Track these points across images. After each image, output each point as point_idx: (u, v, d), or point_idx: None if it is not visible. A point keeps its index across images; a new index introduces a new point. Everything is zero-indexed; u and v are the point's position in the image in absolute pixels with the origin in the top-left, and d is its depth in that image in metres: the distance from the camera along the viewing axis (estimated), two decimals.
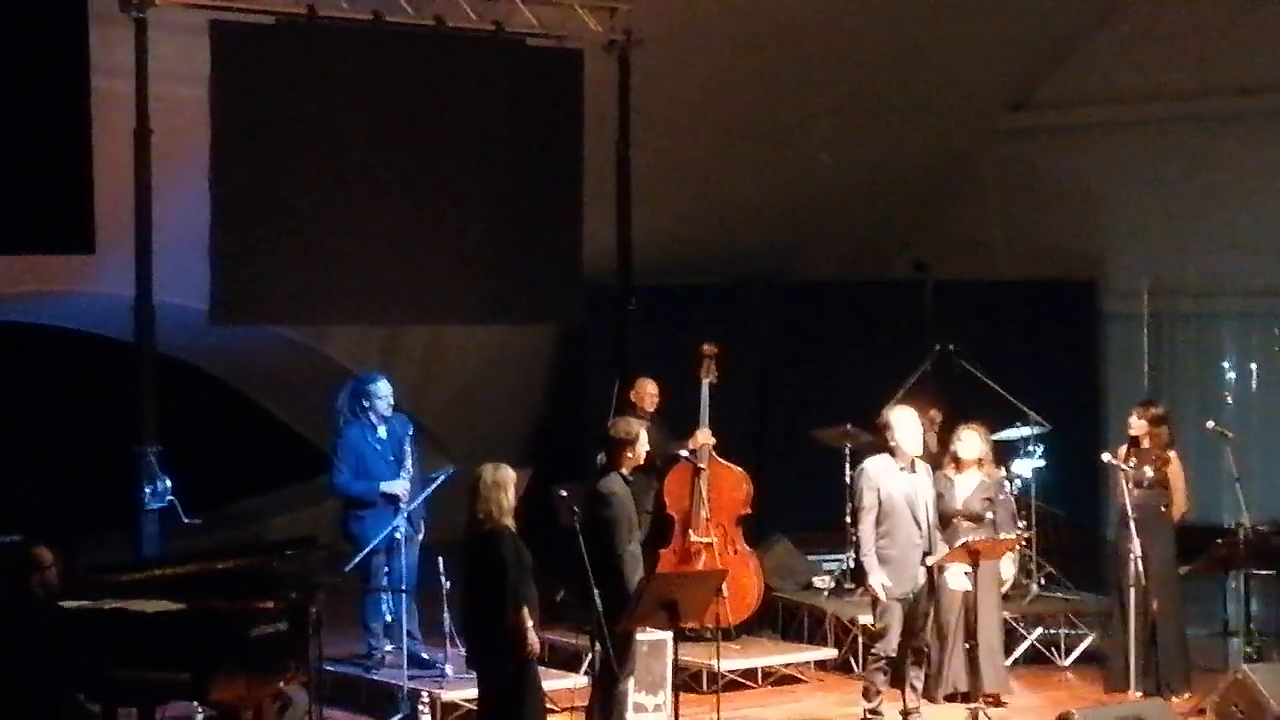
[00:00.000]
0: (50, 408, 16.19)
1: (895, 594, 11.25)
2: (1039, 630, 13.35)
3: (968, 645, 11.72)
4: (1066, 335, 17.74)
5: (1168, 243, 17.60)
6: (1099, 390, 17.77)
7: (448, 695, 11.47)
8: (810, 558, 14.36)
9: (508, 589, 9.49)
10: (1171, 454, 12.40)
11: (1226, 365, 17.43)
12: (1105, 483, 13.90)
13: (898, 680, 11.47)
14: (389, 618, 12.04)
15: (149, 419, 12.19)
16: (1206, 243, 17.37)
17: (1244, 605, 12.89)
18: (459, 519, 9.86)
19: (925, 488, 11.41)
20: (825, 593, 13.79)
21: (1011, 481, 13.42)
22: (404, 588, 11.84)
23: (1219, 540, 12.54)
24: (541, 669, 10.17)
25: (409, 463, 12.17)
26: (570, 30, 13.83)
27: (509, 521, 9.67)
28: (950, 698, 12.05)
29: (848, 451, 13.76)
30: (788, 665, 12.99)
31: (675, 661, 10.86)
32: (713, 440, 13.04)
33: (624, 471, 10.51)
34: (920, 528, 11.29)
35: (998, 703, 12.03)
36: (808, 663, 13.05)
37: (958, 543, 11.46)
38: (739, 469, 13.15)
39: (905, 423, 11.40)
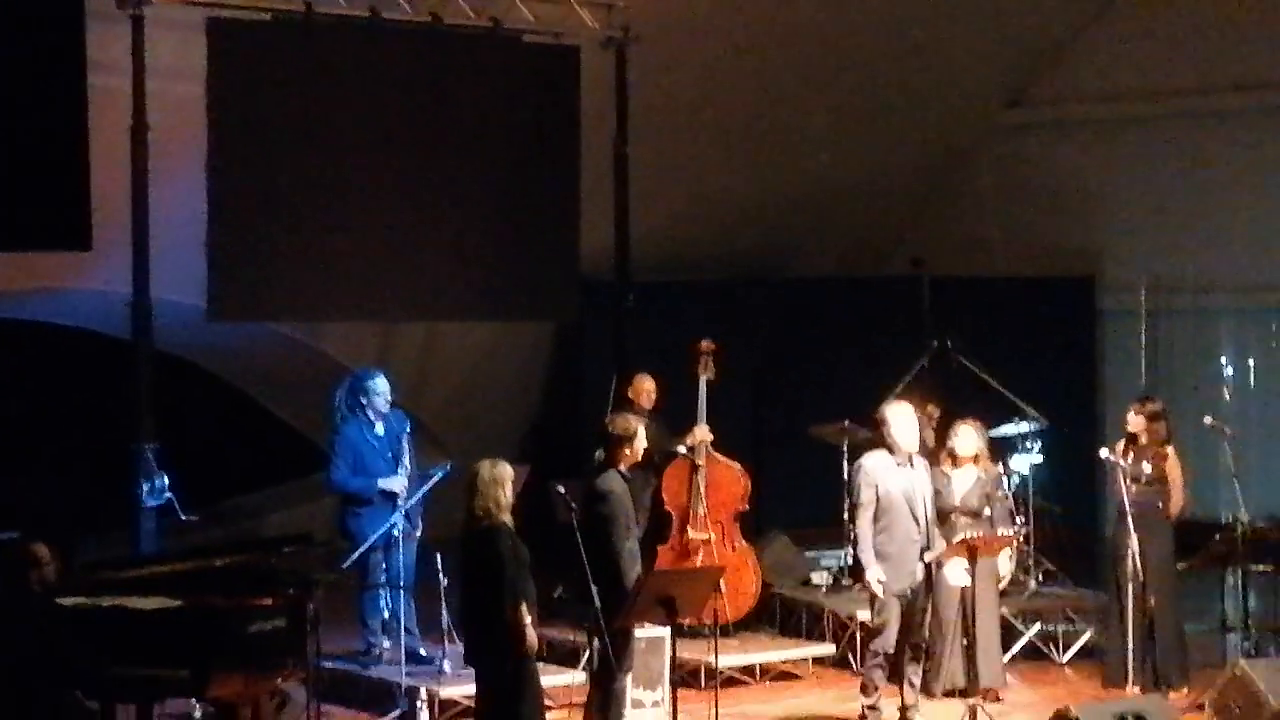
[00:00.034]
0: (47, 405, 16.15)
1: (893, 590, 11.25)
2: (1037, 626, 13.35)
3: (965, 641, 11.73)
4: (1064, 332, 17.72)
5: (1165, 239, 17.60)
6: (1096, 386, 17.76)
7: (446, 692, 11.46)
8: (808, 554, 14.35)
9: (506, 586, 9.48)
10: (1169, 450, 12.38)
11: (1224, 361, 17.41)
12: (1103, 479, 13.91)
13: (896, 676, 11.47)
14: (387, 614, 12.04)
15: (146, 416, 12.18)
16: (1204, 239, 17.37)
17: (1242, 601, 12.87)
18: (457, 515, 9.84)
19: (923, 484, 11.40)
20: (823, 589, 13.78)
21: (1009, 477, 13.44)
22: (402, 584, 11.84)
23: (1217, 536, 12.54)
24: (540, 665, 10.14)
25: (406, 459, 12.16)
26: (567, 27, 13.80)
27: (507, 518, 9.65)
28: (949, 693, 12.04)
29: (845, 448, 13.74)
30: (786, 661, 12.99)
31: (673, 658, 10.88)
32: (710, 437, 13.04)
33: (622, 468, 10.48)
34: (918, 524, 11.28)
35: (995, 698, 12.04)
36: (806, 659, 13.06)
37: (956, 538, 11.47)
38: (737, 465, 13.16)
39: (902, 418, 11.40)
